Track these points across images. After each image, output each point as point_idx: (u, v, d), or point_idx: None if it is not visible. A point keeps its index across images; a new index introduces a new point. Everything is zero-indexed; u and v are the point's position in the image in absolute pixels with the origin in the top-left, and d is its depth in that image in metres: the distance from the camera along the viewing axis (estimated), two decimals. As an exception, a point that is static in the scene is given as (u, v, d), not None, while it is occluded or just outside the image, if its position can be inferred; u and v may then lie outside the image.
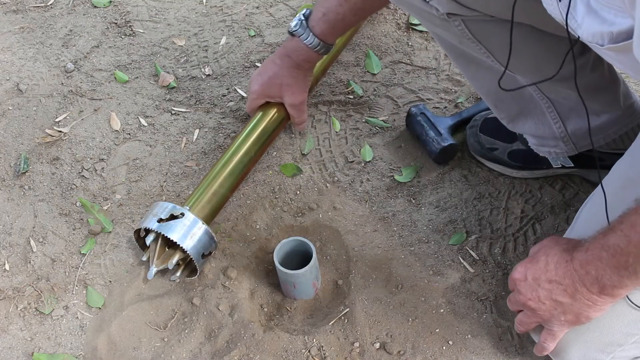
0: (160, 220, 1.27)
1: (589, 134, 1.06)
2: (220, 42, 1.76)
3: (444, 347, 1.24)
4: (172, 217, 1.28)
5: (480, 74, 1.29)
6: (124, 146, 1.56)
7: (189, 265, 1.33)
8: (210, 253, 1.31)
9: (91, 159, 1.54)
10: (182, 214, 1.27)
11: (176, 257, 1.28)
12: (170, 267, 1.28)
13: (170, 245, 1.30)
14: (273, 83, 1.43)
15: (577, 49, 1.06)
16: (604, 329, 1.04)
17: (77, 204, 1.47)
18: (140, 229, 1.31)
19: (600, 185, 1.02)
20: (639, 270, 0.88)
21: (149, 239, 1.30)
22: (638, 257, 0.87)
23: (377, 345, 1.25)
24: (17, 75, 1.71)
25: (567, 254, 0.98)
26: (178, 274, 1.31)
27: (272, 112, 1.46)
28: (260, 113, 1.46)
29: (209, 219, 1.34)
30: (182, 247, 1.26)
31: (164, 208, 1.29)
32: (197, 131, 1.58)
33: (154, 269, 1.29)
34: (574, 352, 1.07)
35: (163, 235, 1.27)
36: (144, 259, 1.33)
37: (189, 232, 1.27)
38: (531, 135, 1.37)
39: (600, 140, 1.31)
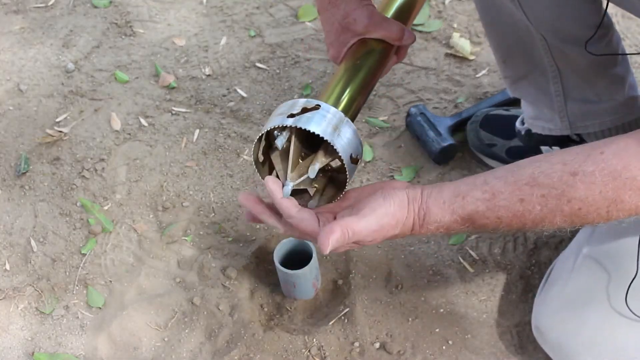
0: (291, 116, 0.90)
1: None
2: (220, 42, 1.77)
3: (444, 347, 1.25)
4: (305, 110, 0.92)
5: (499, 20, 1.25)
6: (124, 146, 1.57)
7: (330, 184, 0.96)
8: (358, 160, 0.93)
9: (91, 159, 1.54)
10: (318, 106, 0.91)
11: (319, 162, 0.92)
12: (312, 175, 0.91)
13: (306, 154, 0.95)
14: (333, 21, 1.04)
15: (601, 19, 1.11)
16: (616, 342, 1.05)
17: (78, 204, 1.47)
18: (259, 146, 0.93)
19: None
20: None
21: (279, 141, 0.92)
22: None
23: (377, 345, 1.25)
24: (17, 75, 1.72)
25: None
26: (317, 198, 0.95)
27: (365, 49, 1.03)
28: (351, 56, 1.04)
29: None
30: (327, 144, 0.89)
31: (293, 104, 0.92)
32: (197, 131, 1.58)
33: (290, 185, 0.91)
34: None
35: (297, 138, 0.91)
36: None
37: (332, 126, 0.89)
38: (529, 104, 1.36)
39: (595, 125, 1.30)
